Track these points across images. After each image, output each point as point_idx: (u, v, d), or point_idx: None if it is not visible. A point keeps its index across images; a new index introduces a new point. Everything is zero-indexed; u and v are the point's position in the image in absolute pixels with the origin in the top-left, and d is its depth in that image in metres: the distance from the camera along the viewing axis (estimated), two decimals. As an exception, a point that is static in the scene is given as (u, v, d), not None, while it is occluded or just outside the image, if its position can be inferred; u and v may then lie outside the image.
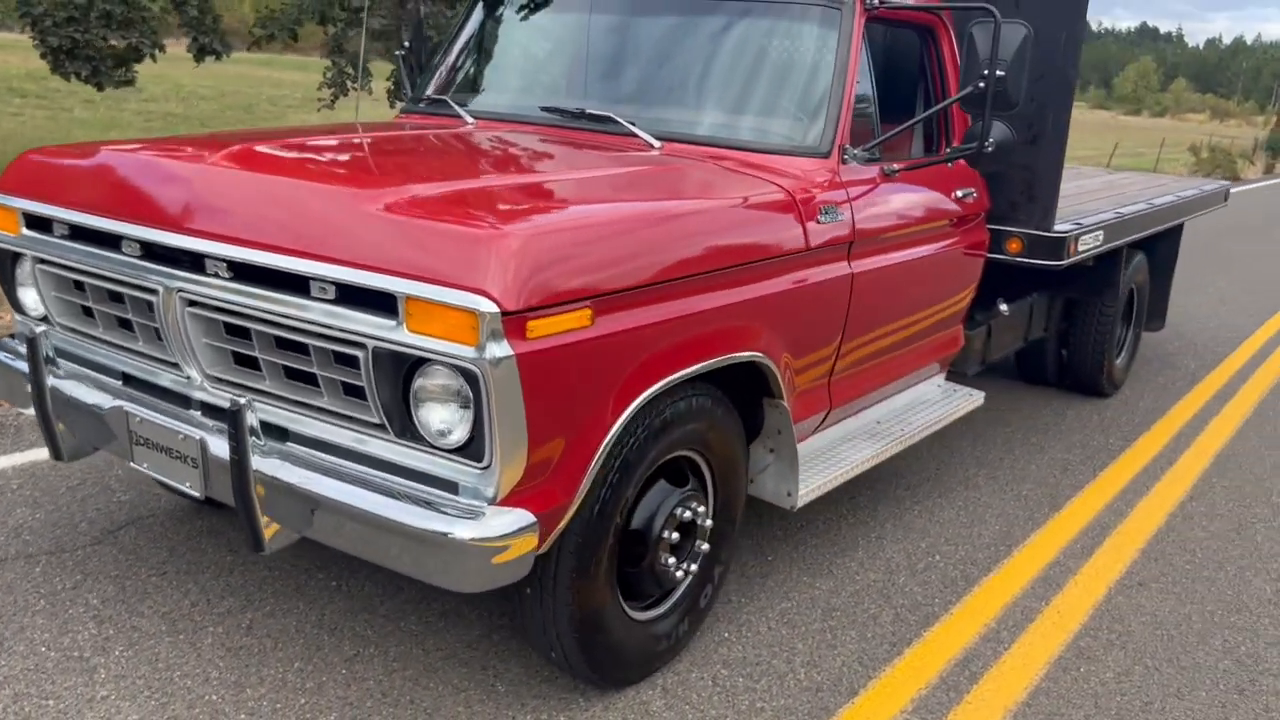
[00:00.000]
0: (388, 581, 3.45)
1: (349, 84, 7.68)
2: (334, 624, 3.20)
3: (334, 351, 2.43)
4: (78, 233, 2.83)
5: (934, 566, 3.92)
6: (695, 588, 3.12)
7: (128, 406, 2.78)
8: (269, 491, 2.51)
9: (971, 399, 4.55)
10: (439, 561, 2.33)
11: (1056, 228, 4.48)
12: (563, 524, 2.52)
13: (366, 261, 2.32)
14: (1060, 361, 6.09)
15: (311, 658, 3.02)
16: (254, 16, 7.62)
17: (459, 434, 2.33)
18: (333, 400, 2.52)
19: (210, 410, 2.72)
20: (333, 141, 3.22)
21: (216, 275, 2.56)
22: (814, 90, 3.45)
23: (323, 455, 2.58)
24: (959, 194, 4.09)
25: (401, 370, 2.36)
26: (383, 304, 2.30)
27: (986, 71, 3.38)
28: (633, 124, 3.48)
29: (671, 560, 2.91)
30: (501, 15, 4.11)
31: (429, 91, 4.09)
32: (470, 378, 2.23)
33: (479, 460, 2.32)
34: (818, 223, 3.21)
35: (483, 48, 4.11)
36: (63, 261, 2.88)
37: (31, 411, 2.96)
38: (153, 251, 2.67)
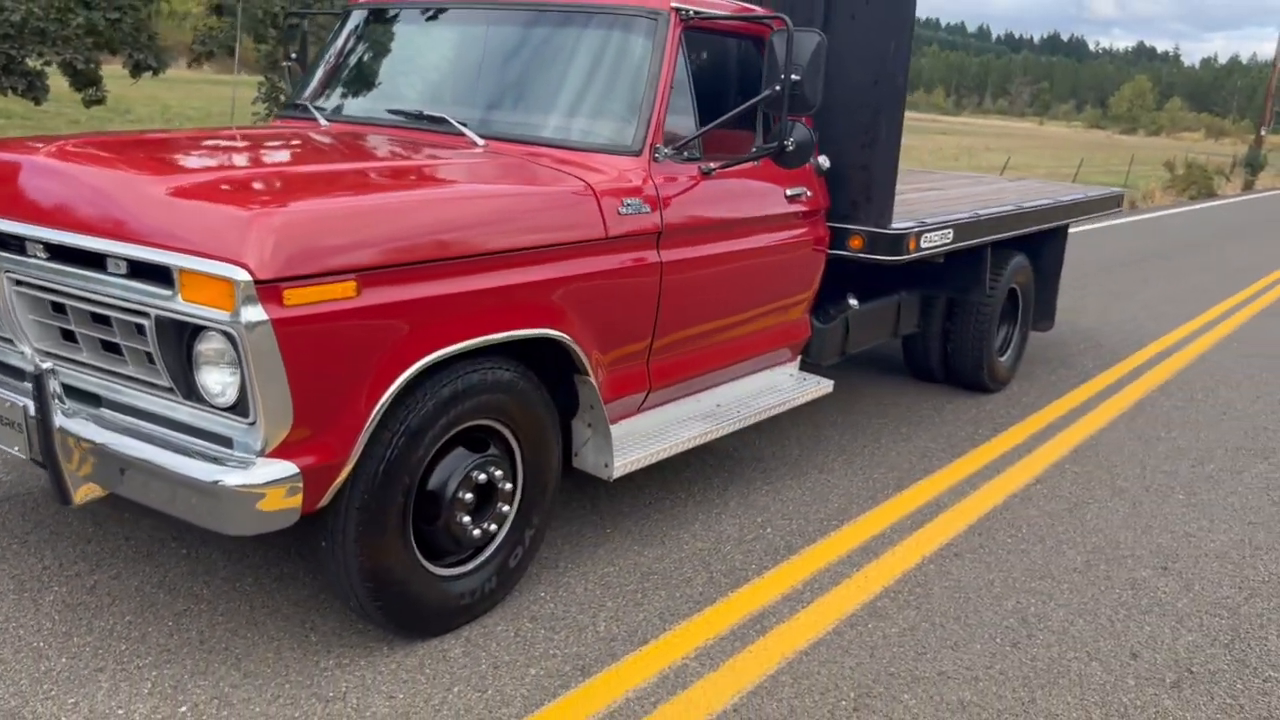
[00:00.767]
0: (234, 549, 3.72)
1: (282, 98, 8.03)
2: (173, 585, 3.48)
3: (131, 323, 2.72)
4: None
5: (763, 538, 4.19)
6: (505, 548, 3.40)
7: (-28, 382, 3.07)
8: (84, 453, 2.79)
9: (820, 387, 4.83)
10: (212, 507, 2.62)
11: (896, 225, 4.77)
12: (339, 480, 2.80)
13: (152, 239, 2.62)
14: (944, 358, 6.37)
15: (143, 613, 3.29)
16: (192, 35, 7.99)
17: (231, 394, 2.62)
18: (135, 368, 2.80)
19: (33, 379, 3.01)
20: (172, 140, 3.53)
21: (35, 256, 2.86)
22: (628, 94, 3.75)
23: (131, 419, 2.86)
24: (790, 193, 4.38)
25: (183, 337, 2.65)
26: (162, 277, 2.59)
27: (784, 76, 3.67)
28: (464, 124, 3.79)
29: (467, 519, 3.18)
30: (363, 29, 4.42)
31: (298, 98, 4.40)
32: (232, 340, 2.52)
33: (246, 416, 2.61)
34: (619, 214, 3.50)
35: (346, 58, 4.42)
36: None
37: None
38: (-9, 237, 2.96)
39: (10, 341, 3.07)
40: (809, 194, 4.51)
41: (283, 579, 3.57)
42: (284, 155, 3.43)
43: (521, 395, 3.29)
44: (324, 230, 2.64)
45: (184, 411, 2.76)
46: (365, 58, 4.38)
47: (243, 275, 2.47)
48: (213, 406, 2.68)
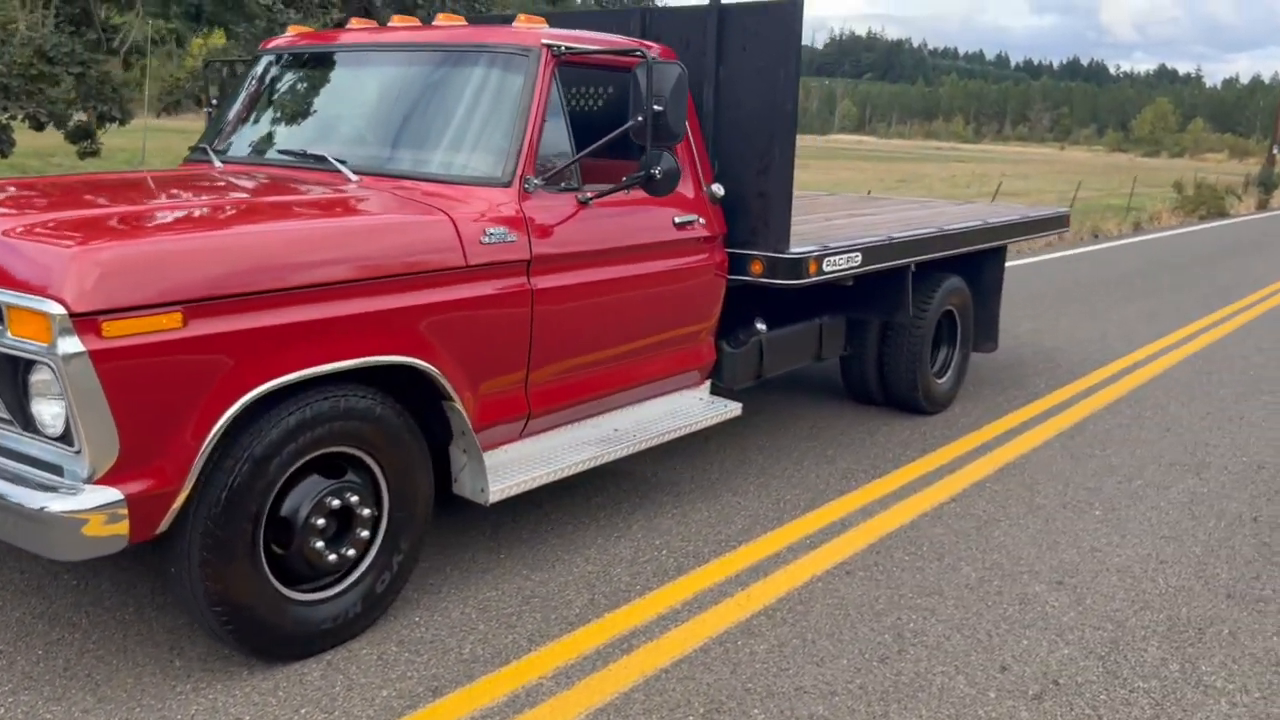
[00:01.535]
0: (123, 580, 3.81)
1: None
2: (55, 615, 3.57)
3: (-29, 358, 2.83)
4: None
5: (655, 560, 4.23)
6: (371, 573, 3.47)
7: None
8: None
9: (727, 410, 4.88)
10: (41, 533, 2.71)
11: (797, 250, 4.83)
12: (175, 506, 2.89)
13: (-4, 280, 2.74)
14: (881, 380, 6.40)
15: (16, 642, 3.38)
16: (159, 88, 8.27)
17: (60, 424, 2.72)
18: (-7, 405, 2.92)
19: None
20: (49, 184, 3.67)
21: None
22: (499, 128, 3.87)
23: (-17, 453, 2.97)
24: (679, 220, 4.46)
25: (17, 370, 2.76)
26: (-8, 313, 2.71)
27: (647, 107, 3.77)
28: (342, 162, 3.91)
29: (321, 545, 3.26)
30: (264, 74, 4.58)
31: (204, 142, 4.55)
32: (53, 371, 2.62)
33: (72, 445, 2.71)
34: (481, 244, 3.59)
35: (249, 102, 4.57)
36: None
37: None
38: None
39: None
40: (702, 221, 4.59)
41: (165, 607, 3.65)
42: (141, 197, 3.55)
43: (381, 422, 3.37)
44: (144, 265, 2.75)
45: (24, 442, 2.87)
46: (265, 101, 4.52)
47: (57, 309, 2.58)
48: (46, 436, 2.78)
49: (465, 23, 4.35)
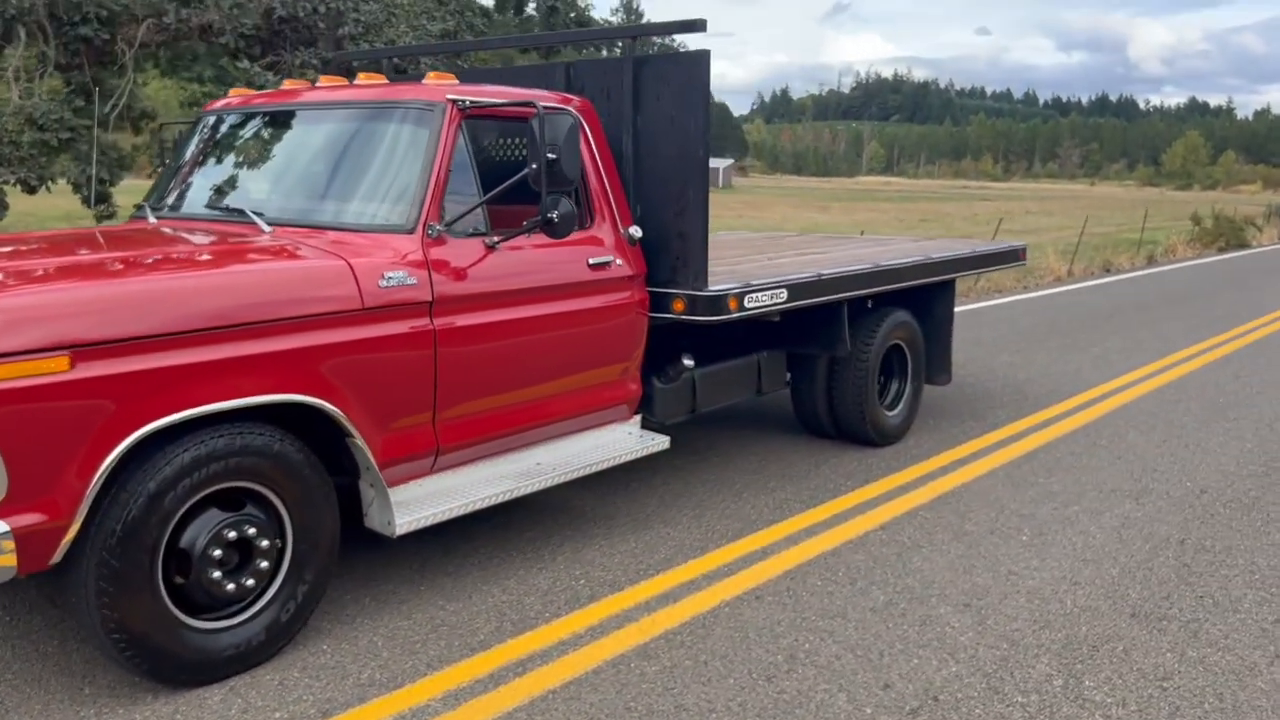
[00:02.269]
0: (54, 615, 4.01)
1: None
2: (-17, 647, 3.77)
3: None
4: None
5: (571, 589, 4.37)
6: (276, 603, 3.64)
7: None
8: None
9: (655, 444, 5.03)
10: (-66, 563, 2.91)
11: (716, 287, 5.01)
12: (67, 539, 3.09)
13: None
14: (831, 413, 6.52)
15: (-59, 672, 3.58)
16: (147, 156, 8.67)
17: (-45, 461, 2.94)
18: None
19: None
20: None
21: None
22: (403, 178, 4.10)
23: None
24: (594, 261, 4.65)
25: (-83, 413, 2.98)
26: (-107, 361, 2.94)
27: (542, 154, 3.99)
28: (259, 214, 4.15)
29: (218, 575, 3.44)
30: (201, 134, 4.85)
31: (146, 199, 4.82)
32: (-60, 413, 2.84)
33: (-37, 480, 2.92)
34: (379, 287, 3.80)
35: (188, 162, 4.84)
36: None
37: None
38: None
39: None
40: (619, 262, 4.78)
41: (88, 640, 3.84)
42: (53, 252, 3.77)
43: (280, 458, 3.56)
44: (30, 313, 2.98)
45: (-69, 480, 3.09)
46: (203, 159, 4.79)
47: (-57, 355, 2.80)
48: (-56, 474, 2.99)
49: (386, 81, 4.60)
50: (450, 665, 3.70)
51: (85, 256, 3.63)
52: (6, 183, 8.13)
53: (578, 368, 4.65)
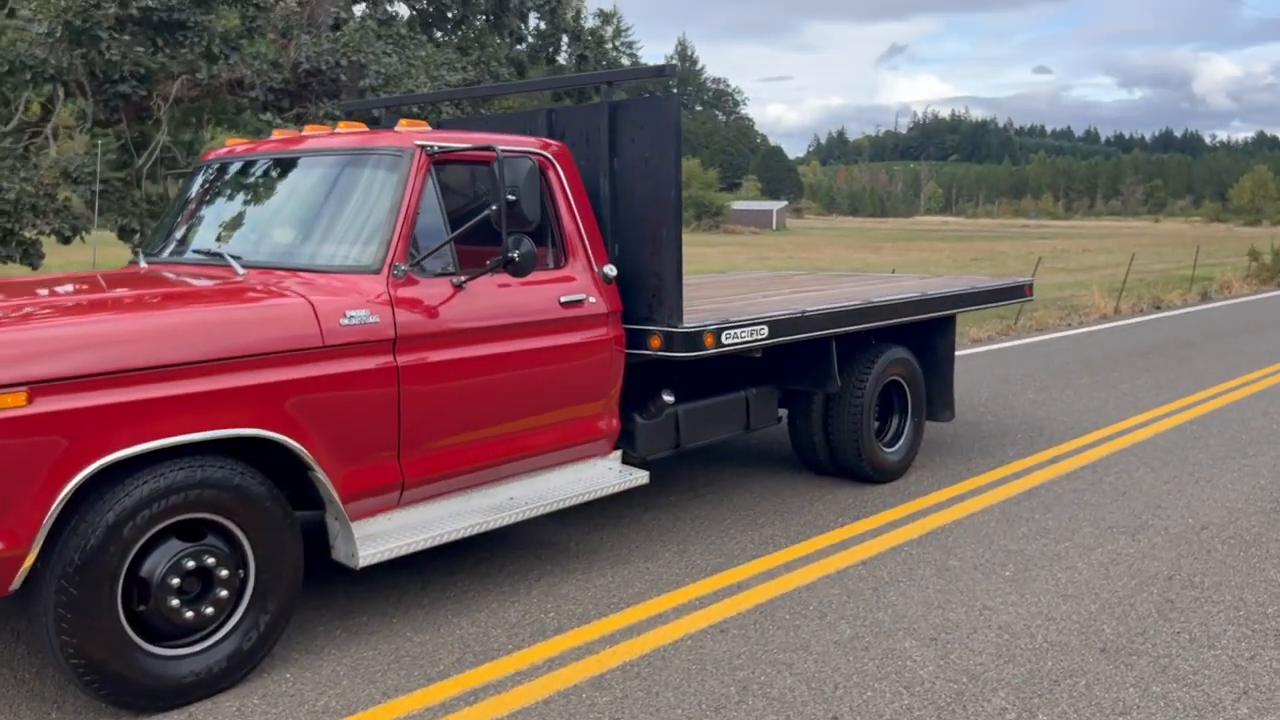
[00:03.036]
0: (38, 643, 4.17)
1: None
2: (-34, 673, 3.94)
3: None
4: None
5: (539, 622, 4.43)
6: (238, 632, 3.76)
7: None
8: None
9: (634, 479, 5.10)
10: (-104, 587, 3.08)
11: (691, 324, 5.08)
12: (25, 567, 3.24)
13: None
14: (828, 450, 6.52)
15: (-78, 696, 3.75)
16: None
17: (-84, 492, 3.12)
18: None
19: None
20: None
21: None
22: (370, 221, 4.26)
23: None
24: (565, 299, 4.77)
25: (-107, 445, 3.18)
26: None
27: (503, 196, 4.13)
28: (236, 257, 4.34)
29: (176, 603, 3.57)
30: (196, 184, 5.09)
31: (142, 245, 5.06)
32: (-95, 444, 3.03)
33: (-77, 510, 3.10)
34: (340, 325, 3.94)
35: (182, 209, 5.07)
36: None
37: None
38: None
39: None
40: (593, 300, 4.89)
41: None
42: (26, 294, 3.97)
43: (240, 490, 3.70)
44: (-12, 351, 3.16)
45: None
46: (196, 205, 5.02)
47: (-96, 391, 2.99)
48: (-93, 504, 3.18)
49: (365, 129, 4.79)
50: (404, 695, 3.78)
51: (54, 298, 3.83)
52: (42, 234, 8.54)
53: (551, 403, 4.75)
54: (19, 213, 8.09)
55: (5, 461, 3.16)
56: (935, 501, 6.27)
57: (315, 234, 4.41)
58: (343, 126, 4.79)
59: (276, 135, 5.05)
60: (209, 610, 3.67)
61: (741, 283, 8.09)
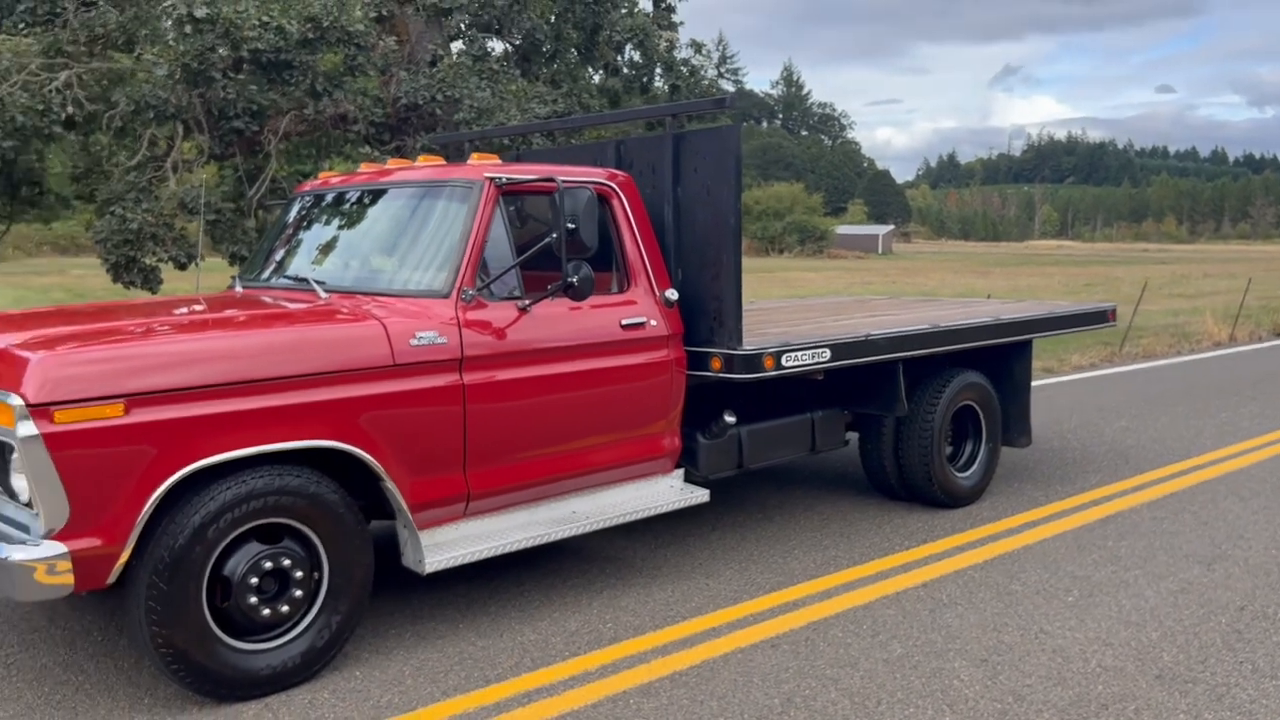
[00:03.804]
0: (120, 635, 4.54)
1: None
2: (70, 662, 4.31)
3: (-21, 443, 3.66)
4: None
5: (597, 631, 4.61)
6: (311, 630, 4.05)
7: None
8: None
9: (694, 497, 5.26)
10: (7, 576, 3.44)
11: (751, 346, 5.22)
12: (120, 562, 3.57)
13: (-13, 380, 3.57)
14: (899, 473, 6.55)
15: (34, 681, 4.13)
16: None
17: (28, 492, 3.48)
18: (-16, 479, 3.73)
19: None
20: (86, 309, 4.57)
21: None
22: (441, 248, 4.54)
23: (-8, 520, 3.77)
24: (626, 321, 4.97)
25: (4, 452, 3.55)
26: (-13, 407, 3.53)
27: (563, 224, 4.37)
28: (320, 282, 4.67)
29: (254, 601, 3.87)
30: (290, 214, 5.46)
31: (240, 271, 5.45)
32: (15, 450, 3.39)
33: (33, 509, 3.45)
34: (410, 345, 4.22)
35: (276, 237, 5.46)
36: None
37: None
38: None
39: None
40: (654, 322, 5.08)
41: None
42: (130, 316, 4.33)
43: (316, 498, 3.99)
44: (89, 367, 3.51)
45: (9, 508, 3.65)
46: (290, 234, 5.39)
47: (17, 400, 3.36)
48: (20, 503, 3.54)
49: (443, 162, 5.09)
50: (462, 694, 4.00)
51: (155, 319, 4.19)
52: (161, 260, 9.18)
53: (613, 421, 4.94)
54: (141, 241, 8.73)
55: (104, 466, 3.50)
56: (1006, 527, 6.24)
57: (393, 260, 4.72)
58: (422, 160, 5.10)
59: (364, 168, 5.39)
60: (285, 609, 3.96)
61: (817, 307, 8.17)
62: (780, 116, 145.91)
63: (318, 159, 11.23)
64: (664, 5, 14.74)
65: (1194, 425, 9.38)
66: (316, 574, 4.07)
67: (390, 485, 4.15)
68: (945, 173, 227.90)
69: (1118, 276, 45.33)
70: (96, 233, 8.96)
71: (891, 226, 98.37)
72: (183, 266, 9.31)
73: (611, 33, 12.42)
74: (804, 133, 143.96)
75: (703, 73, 14.88)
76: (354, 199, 5.17)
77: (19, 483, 3.53)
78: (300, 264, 5.10)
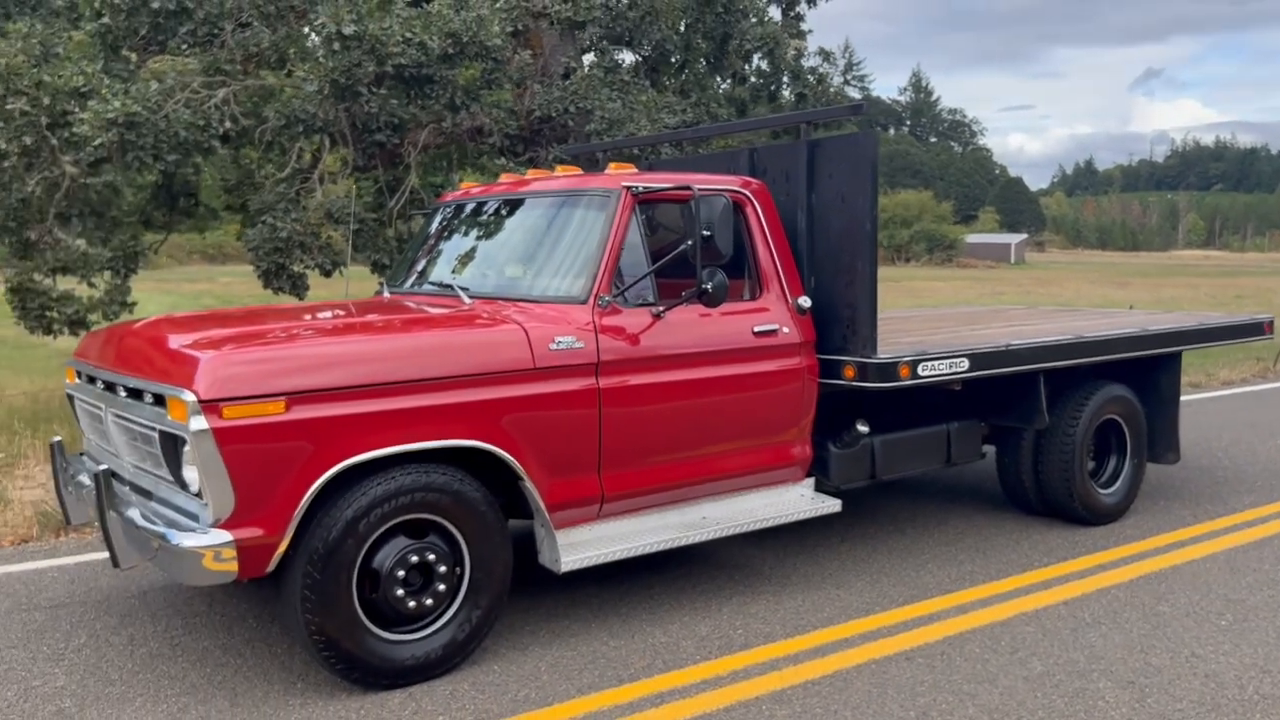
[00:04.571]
0: (272, 623, 4.77)
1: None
2: (230, 646, 4.56)
3: (153, 436, 3.91)
4: (85, 376, 4.59)
5: (727, 637, 4.63)
6: (453, 623, 4.19)
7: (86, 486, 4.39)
8: (127, 527, 3.98)
9: (824, 506, 5.22)
10: (177, 562, 3.68)
11: (886, 354, 5.17)
12: (279, 552, 3.77)
13: (163, 378, 3.82)
14: (1038, 488, 6.38)
15: (197, 664, 4.38)
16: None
17: (197, 483, 3.71)
18: (158, 469, 3.98)
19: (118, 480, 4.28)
20: (246, 311, 4.84)
21: (120, 396, 4.16)
22: (579, 255, 4.64)
23: (161, 507, 4.02)
24: (759, 328, 4.98)
25: (176, 445, 3.79)
26: (162, 402, 3.77)
27: (698, 232, 4.42)
28: (464, 288, 4.84)
29: (401, 593, 4.02)
30: (434, 223, 5.66)
31: (387, 277, 5.68)
32: (188, 443, 3.62)
33: (202, 499, 3.68)
34: (549, 349, 4.33)
35: (421, 245, 5.66)
36: (76, 395, 4.64)
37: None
38: (105, 384, 4.33)
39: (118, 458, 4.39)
40: (786, 330, 5.07)
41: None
42: (290, 319, 4.56)
43: (459, 496, 4.13)
44: (257, 366, 3.72)
45: (182, 499, 3.89)
46: (433, 242, 5.58)
47: (190, 397, 3.58)
48: (191, 493, 3.77)
49: (579, 172, 5.20)
50: (596, 692, 4.07)
51: (311, 322, 4.41)
52: (308, 268, 9.61)
53: (744, 427, 4.96)
54: (289, 249, 9.16)
55: (266, 459, 3.70)
56: (1153, 546, 6.00)
57: (533, 267, 4.84)
58: (559, 170, 5.22)
59: (504, 179, 5.55)
60: (429, 601, 4.11)
61: (951, 316, 8.02)
62: (908, 123, 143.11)
63: (449, 170, 11.55)
64: (793, 14, 14.67)
65: (1359, 445, 8.84)
66: (459, 569, 4.21)
67: (529, 485, 4.26)
68: (1082, 180, 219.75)
69: (1270, 288, 42.94)
70: (249, 241, 9.45)
71: (1024, 235, 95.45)
72: (328, 274, 9.72)
73: (741, 42, 12.42)
74: (933, 139, 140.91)
75: (829, 80, 14.75)
76: (494, 208, 5.33)
77: (190, 474, 3.75)
78: (443, 271, 5.28)
